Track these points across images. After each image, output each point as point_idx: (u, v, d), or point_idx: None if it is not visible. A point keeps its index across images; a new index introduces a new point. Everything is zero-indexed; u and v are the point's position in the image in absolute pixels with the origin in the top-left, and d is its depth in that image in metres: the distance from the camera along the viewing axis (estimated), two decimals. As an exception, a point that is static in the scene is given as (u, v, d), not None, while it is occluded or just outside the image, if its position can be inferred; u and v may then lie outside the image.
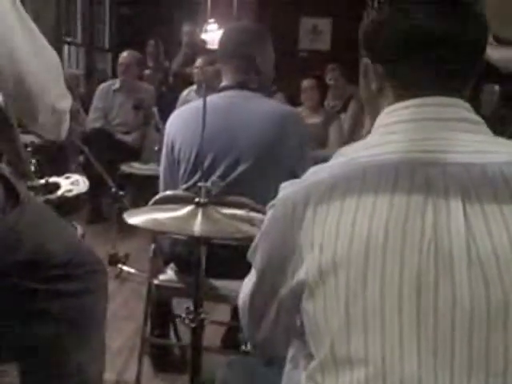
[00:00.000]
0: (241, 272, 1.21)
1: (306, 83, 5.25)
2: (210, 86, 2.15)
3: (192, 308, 1.67)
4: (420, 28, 0.95)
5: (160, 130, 3.99)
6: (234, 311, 2.49)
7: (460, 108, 0.95)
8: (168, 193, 2.33)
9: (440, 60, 0.96)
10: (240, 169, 2.24)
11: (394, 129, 0.94)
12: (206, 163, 2.26)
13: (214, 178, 2.07)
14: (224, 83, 2.37)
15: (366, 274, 0.86)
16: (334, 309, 0.88)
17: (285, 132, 2.28)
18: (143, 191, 4.26)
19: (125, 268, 3.88)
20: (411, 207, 0.86)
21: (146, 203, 2.21)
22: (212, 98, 2.39)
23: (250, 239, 1.07)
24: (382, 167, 0.90)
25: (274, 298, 1.02)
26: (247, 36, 2.39)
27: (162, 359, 2.76)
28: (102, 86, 5.59)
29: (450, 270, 0.83)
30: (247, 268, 1.11)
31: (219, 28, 6.99)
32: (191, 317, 1.67)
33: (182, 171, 2.34)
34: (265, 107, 2.32)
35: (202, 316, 1.68)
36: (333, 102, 5.91)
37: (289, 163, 2.28)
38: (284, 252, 0.96)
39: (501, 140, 0.93)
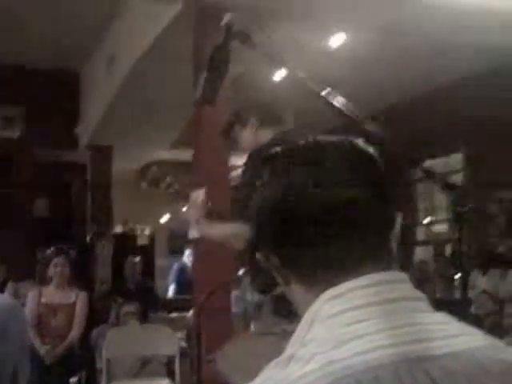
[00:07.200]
0: None
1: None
2: None
3: None
4: (333, 195, 0.82)
5: None
6: None
7: (409, 283, 0.84)
8: None
9: (365, 227, 0.83)
10: None
11: (357, 317, 0.78)
12: None
13: None
14: None
15: None
16: None
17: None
18: None
19: None
20: None
21: None
22: None
23: None
24: (376, 372, 0.73)
25: None
26: None
27: None
28: None
29: None
30: None
31: None
32: None
33: None
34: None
35: None
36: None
37: None
38: None
39: (447, 317, 0.85)
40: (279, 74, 5.02)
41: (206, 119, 4.39)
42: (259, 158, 2.33)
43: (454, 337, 0.79)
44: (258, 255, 0.88)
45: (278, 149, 0.90)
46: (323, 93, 1.49)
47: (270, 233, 0.85)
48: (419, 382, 0.73)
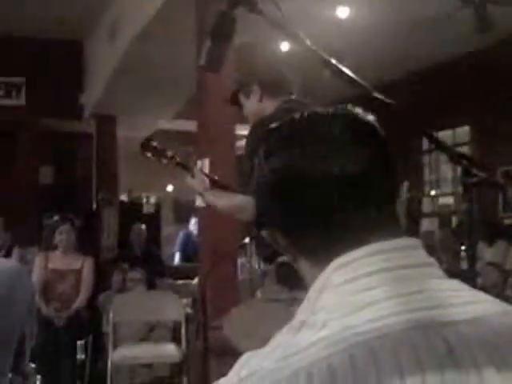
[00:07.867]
0: None
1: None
2: None
3: None
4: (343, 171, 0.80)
5: None
6: None
7: (422, 249, 0.82)
8: None
9: (367, 198, 0.81)
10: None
11: (368, 284, 0.76)
12: None
13: None
14: None
15: None
16: None
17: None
18: None
19: None
20: None
21: None
22: None
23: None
24: (390, 338, 0.72)
25: None
26: None
27: None
28: None
29: None
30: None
31: None
32: None
33: None
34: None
35: None
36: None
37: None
38: None
39: (461, 284, 0.83)
40: (286, 44, 4.96)
41: (211, 87, 4.35)
42: (260, 131, 2.29)
43: (470, 303, 0.78)
44: (263, 233, 0.86)
45: (275, 125, 0.87)
46: (333, 61, 1.48)
47: (272, 213, 0.84)
48: (435, 348, 0.72)
